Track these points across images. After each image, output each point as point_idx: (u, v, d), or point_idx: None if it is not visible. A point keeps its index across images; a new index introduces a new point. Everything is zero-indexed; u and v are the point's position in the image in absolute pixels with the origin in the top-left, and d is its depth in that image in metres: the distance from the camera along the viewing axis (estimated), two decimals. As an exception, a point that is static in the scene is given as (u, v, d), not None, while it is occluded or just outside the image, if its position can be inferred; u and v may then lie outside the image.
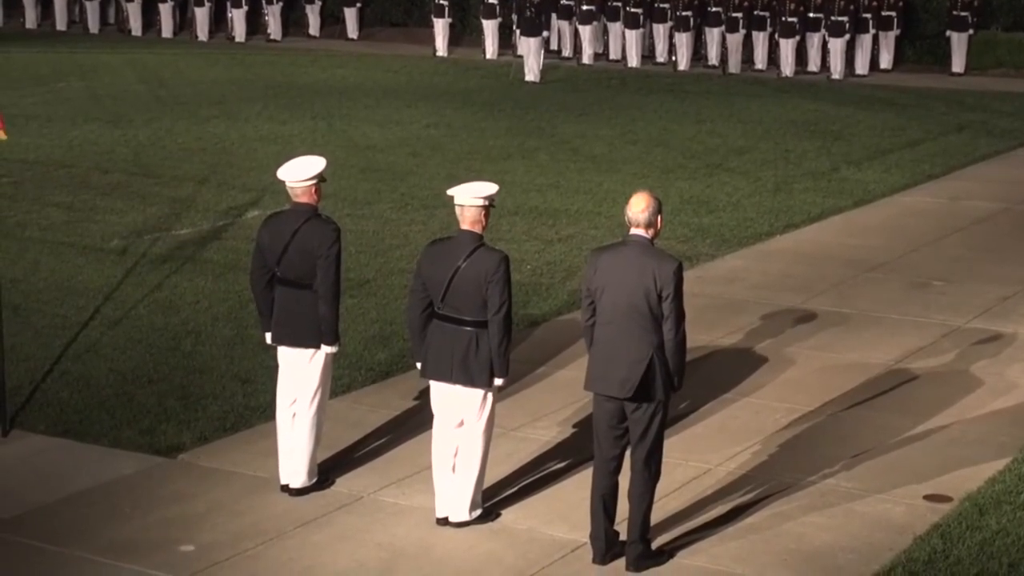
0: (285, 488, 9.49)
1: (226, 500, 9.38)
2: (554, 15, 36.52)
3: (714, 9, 34.83)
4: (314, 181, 9.39)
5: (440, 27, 37.49)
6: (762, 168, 21.58)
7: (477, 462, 8.96)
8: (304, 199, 9.41)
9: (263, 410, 10.76)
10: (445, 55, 37.19)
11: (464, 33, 38.90)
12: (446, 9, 37.31)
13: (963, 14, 33.93)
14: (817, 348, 12.77)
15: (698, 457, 10.14)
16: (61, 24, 43.18)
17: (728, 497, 9.45)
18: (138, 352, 12.31)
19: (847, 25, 33.60)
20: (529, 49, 32.82)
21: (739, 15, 34.50)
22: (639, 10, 35.44)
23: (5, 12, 44.54)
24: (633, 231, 8.39)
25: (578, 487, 9.34)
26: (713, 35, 35.22)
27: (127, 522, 9.02)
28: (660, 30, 35.94)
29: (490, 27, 36.84)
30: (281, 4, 40.43)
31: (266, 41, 40.19)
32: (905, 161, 22.37)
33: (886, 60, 34.79)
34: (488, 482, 9.28)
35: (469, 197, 8.85)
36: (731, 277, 15.24)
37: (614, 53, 36.40)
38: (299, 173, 9.38)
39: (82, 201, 18.42)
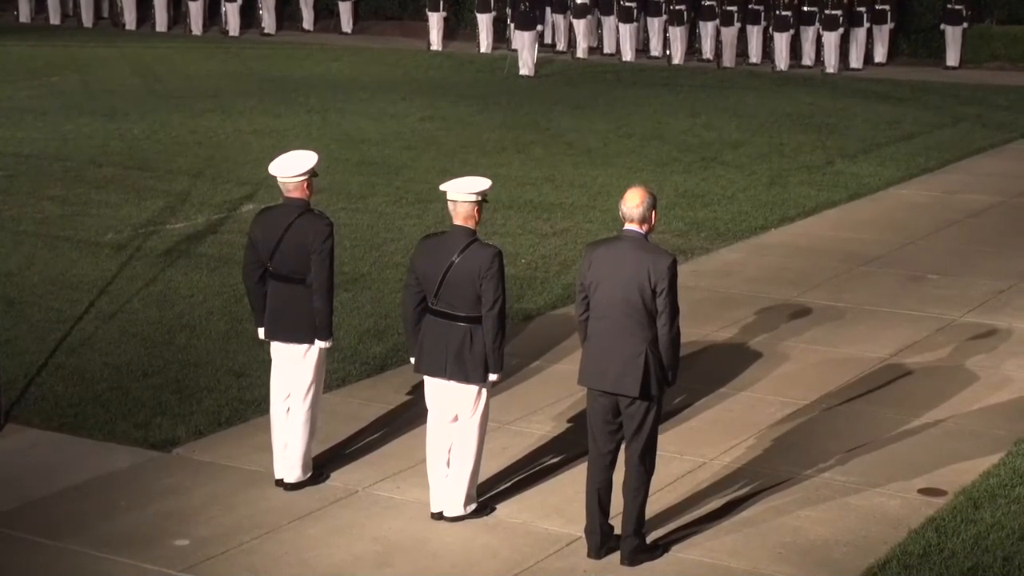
0: (280, 483, 9.48)
1: (221, 494, 9.37)
2: (548, 9, 36.55)
3: (708, 3, 34.84)
4: (306, 176, 9.36)
5: (434, 21, 37.51)
6: (757, 162, 21.58)
7: (472, 457, 8.95)
8: (296, 194, 9.38)
9: (257, 404, 10.75)
10: (439, 49, 37.17)
11: (458, 27, 38.92)
12: (440, 3, 37.31)
13: (957, 7, 33.96)
14: (812, 342, 12.77)
15: (693, 451, 10.14)
16: (55, 18, 43.12)
17: (723, 491, 9.45)
18: (133, 346, 12.30)
19: (841, 19, 33.63)
20: (523, 43, 32.80)
21: (733, 9, 34.51)
22: (633, 4, 35.47)
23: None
24: (627, 226, 8.38)
25: (573, 481, 9.34)
26: (707, 29, 35.22)
27: (122, 516, 9.01)
28: (654, 24, 35.94)
29: (484, 21, 36.85)
30: (275, -3, 40.48)
31: (260, 35, 40.18)
32: (900, 154, 22.38)
33: (880, 54, 34.82)
34: (483, 476, 9.28)
35: (462, 193, 8.83)
36: (726, 271, 15.23)
37: (608, 47, 36.43)
38: (291, 168, 9.36)
39: (76, 195, 18.40)
